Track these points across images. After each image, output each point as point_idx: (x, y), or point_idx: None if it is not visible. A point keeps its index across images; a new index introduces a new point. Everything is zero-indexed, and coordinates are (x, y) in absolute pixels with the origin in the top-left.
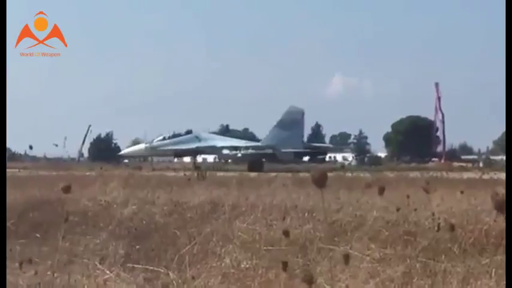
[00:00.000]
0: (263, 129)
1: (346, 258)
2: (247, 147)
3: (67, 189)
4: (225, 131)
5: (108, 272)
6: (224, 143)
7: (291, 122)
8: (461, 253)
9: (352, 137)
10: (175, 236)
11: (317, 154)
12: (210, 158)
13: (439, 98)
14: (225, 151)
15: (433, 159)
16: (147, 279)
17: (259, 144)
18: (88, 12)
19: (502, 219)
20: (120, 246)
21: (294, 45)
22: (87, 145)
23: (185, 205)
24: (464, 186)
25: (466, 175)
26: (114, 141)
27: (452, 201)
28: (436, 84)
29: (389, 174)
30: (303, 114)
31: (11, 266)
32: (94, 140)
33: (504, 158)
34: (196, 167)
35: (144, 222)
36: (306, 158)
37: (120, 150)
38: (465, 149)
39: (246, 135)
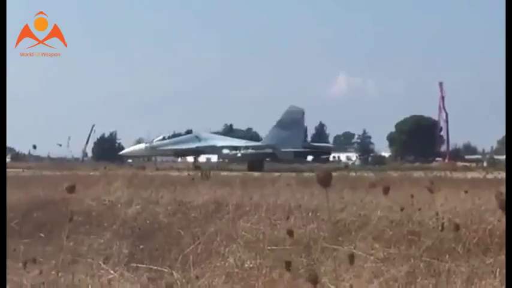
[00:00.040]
0: (267, 128)
1: (351, 258)
2: (247, 147)
3: (71, 189)
4: (229, 131)
5: (112, 271)
6: (224, 142)
7: (291, 121)
8: (465, 253)
9: (356, 136)
10: (179, 236)
11: (316, 154)
12: (214, 158)
13: (442, 98)
14: (225, 151)
15: (437, 158)
16: (151, 279)
17: (259, 143)
18: (89, 12)
19: None
20: (124, 245)
21: (298, 45)
22: (90, 145)
23: (189, 205)
24: (468, 186)
25: (470, 175)
26: (117, 141)
27: (456, 201)
28: (440, 84)
29: (393, 174)
30: (303, 113)
31: (15, 266)
32: (98, 139)
33: None
34: (196, 166)
35: (148, 221)
36: (309, 158)
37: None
38: (469, 149)
39: (249, 134)
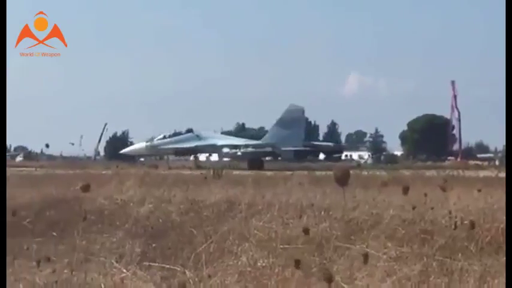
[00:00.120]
0: None
1: (364, 256)
2: (246, 146)
3: (86, 188)
4: (241, 130)
5: (124, 270)
6: (224, 141)
7: (291, 120)
8: (478, 251)
9: (368, 135)
10: (191, 235)
11: (316, 152)
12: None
13: (455, 96)
14: (225, 150)
15: (449, 157)
16: (164, 278)
17: (259, 142)
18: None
19: None
20: (137, 244)
21: (310, 45)
22: (103, 144)
23: (201, 203)
24: (481, 185)
25: (482, 173)
26: (130, 140)
27: (468, 200)
28: (452, 82)
29: (406, 173)
30: (303, 112)
31: (28, 265)
32: (110, 138)
33: None
34: (198, 166)
35: (160, 220)
36: (321, 156)
37: None
38: (481, 148)
39: (261, 133)
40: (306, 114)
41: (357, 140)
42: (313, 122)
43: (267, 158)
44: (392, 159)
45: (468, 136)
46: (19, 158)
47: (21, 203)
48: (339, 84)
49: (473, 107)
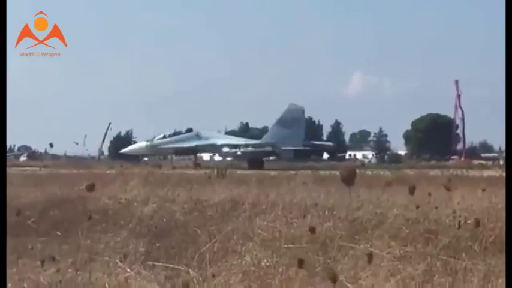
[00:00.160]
0: None
1: (368, 256)
2: (246, 145)
3: (91, 188)
4: (245, 129)
5: (128, 269)
6: (224, 141)
7: (291, 119)
8: (482, 251)
9: (372, 135)
10: (195, 234)
11: (316, 152)
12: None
13: (459, 96)
14: (225, 149)
15: (453, 157)
16: (168, 277)
17: (258, 142)
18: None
19: None
20: (141, 244)
21: (314, 45)
22: (107, 143)
23: (205, 203)
24: (485, 184)
25: (486, 173)
26: (133, 139)
27: (472, 199)
28: (456, 82)
29: (409, 172)
30: (303, 112)
31: (33, 264)
32: (114, 138)
33: None
34: (197, 164)
35: (164, 220)
36: (325, 156)
37: None
38: (485, 147)
39: (265, 133)
40: (310, 114)
41: (360, 139)
42: (317, 122)
43: (271, 158)
44: (396, 158)
45: (472, 135)
46: (23, 158)
47: (25, 203)
48: (343, 83)
49: (477, 106)
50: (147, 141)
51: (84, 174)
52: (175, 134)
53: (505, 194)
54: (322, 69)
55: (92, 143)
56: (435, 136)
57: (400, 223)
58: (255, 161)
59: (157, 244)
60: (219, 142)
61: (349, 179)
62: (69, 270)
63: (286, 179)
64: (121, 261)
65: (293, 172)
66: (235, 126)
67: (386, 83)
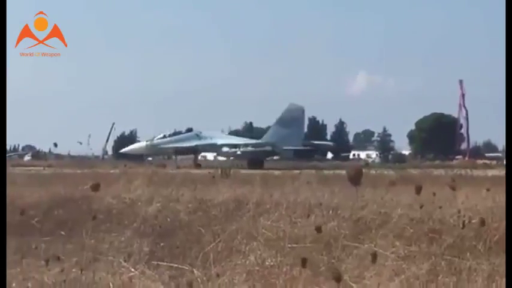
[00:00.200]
0: None
1: (373, 256)
2: (246, 145)
3: (96, 187)
4: (249, 129)
5: (133, 269)
6: (224, 140)
7: (291, 119)
8: (486, 251)
9: (376, 134)
10: (199, 234)
11: (316, 152)
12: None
13: (463, 95)
14: (225, 149)
15: (457, 156)
16: (172, 277)
17: (258, 141)
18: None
19: None
20: (145, 243)
21: (318, 44)
22: (111, 143)
23: (209, 203)
24: (489, 184)
25: (490, 172)
26: (137, 139)
27: (477, 199)
28: (460, 82)
29: (413, 172)
30: (303, 111)
31: (37, 264)
32: (118, 137)
33: None
34: (197, 164)
35: (168, 219)
36: (329, 156)
37: None
38: (489, 147)
39: None
40: (314, 114)
41: (364, 139)
42: (321, 121)
43: (275, 158)
44: (400, 158)
45: (476, 135)
46: (27, 157)
47: (29, 202)
48: (347, 83)
49: (482, 106)
50: (147, 140)
51: (88, 173)
52: (175, 133)
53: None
54: (326, 69)
55: (96, 143)
56: (439, 136)
57: (405, 223)
58: (255, 160)
59: (162, 244)
60: (219, 142)
61: (356, 178)
62: (74, 270)
63: (290, 179)
64: (125, 261)
65: (297, 172)
66: (239, 125)
67: (391, 82)
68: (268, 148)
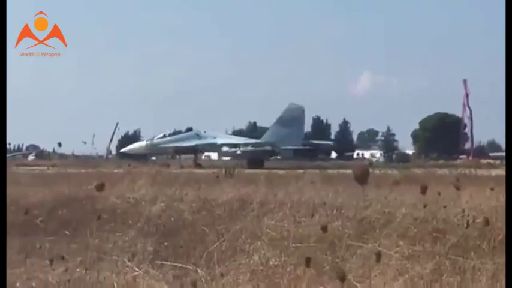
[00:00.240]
0: None
1: (377, 255)
2: (246, 144)
3: (100, 187)
4: (253, 128)
5: (137, 269)
6: (224, 140)
7: (291, 119)
8: (490, 250)
9: (380, 134)
10: (203, 233)
11: (316, 151)
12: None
13: (467, 95)
14: (225, 148)
15: (461, 156)
16: (176, 276)
17: (258, 141)
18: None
19: None
20: (149, 243)
21: (321, 44)
22: (115, 142)
23: (213, 202)
24: (493, 183)
25: (494, 172)
26: (141, 139)
27: (481, 198)
28: (464, 81)
29: (417, 171)
30: (303, 111)
31: (41, 263)
32: (122, 137)
33: None
34: (197, 164)
35: (172, 219)
36: (333, 155)
37: None
38: (493, 146)
39: None
40: (318, 113)
41: (368, 138)
42: (325, 121)
43: (278, 157)
44: (404, 157)
45: (480, 135)
46: (31, 157)
47: (33, 202)
48: (351, 83)
49: (486, 105)
50: (147, 140)
51: (92, 173)
52: (175, 133)
53: None
54: (330, 69)
55: (100, 142)
56: (443, 135)
57: (409, 222)
58: (254, 160)
59: (166, 243)
60: (219, 141)
61: (362, 178)
62: (78, 270)
63: (294, 178)
64: (129, 261)
65: (300, 171)
66: (243, 125)
67: (394, 82)
68: (268, 148)
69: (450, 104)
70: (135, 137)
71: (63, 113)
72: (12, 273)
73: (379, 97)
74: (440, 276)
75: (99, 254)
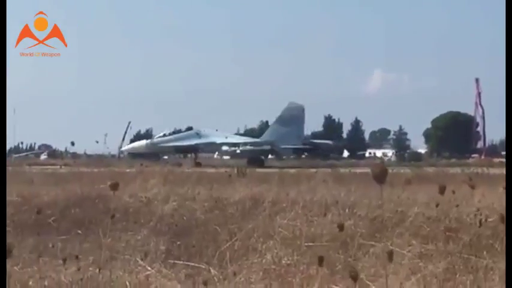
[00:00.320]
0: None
1: (389, 254)
2: (245, 144)
3: (114, 187)
4: (265, 127)
5: (149, 268)
6: (223, 139)
7: (291, 118)
8: (503, 249)
9: (392, 133)
10: (216, 232)
11: (315, 150)
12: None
13: (479, 94)
14: (225, 147)
15: (473, 155)
16: (189, 275)
17: (257, 140)
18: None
19: None
20: (161, 242)
21: (333, 43)
22: (127, 142)
23: (226, 201)
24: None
25: None
26: None
27: (493, 197)
28: (477, 80)
29: (429, 170)
30: (303, 110)
31: (53, 262)
32: (134, 136)
33: None
34: (197, 163)
35: (184, 218)
36: (345, 154)
37: None
38: None
39: None
40: (330, 112)
41: (380, 137)
42: (337, 120)
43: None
44: (416, 156)
45: (492, 134)
46: (43, 156)
47: (46, 201)
48: (363, 81)
49: (498, 104)
50: (147, 139)
51: (105, 172)
52: (175, 132)
53: None
54: (341, 68)
55: (113, 142)
56: (455, 134)
57: (421, 221)
58: (254, 159)
59: (178, 242)
60: (219, 141)
61: (381, 176)
62: (90, 269)
63: (306, 178)
64: (142, 260)
65: (313, 170)
66: (255, 124)
67: (406, 81)
68: (268, 147)
69: (462, 102)
70: (147, 136)
71: (74, 112)
72: (25, 272)
73: (391, 96)
74: (453, 275)
75: (111, 253)
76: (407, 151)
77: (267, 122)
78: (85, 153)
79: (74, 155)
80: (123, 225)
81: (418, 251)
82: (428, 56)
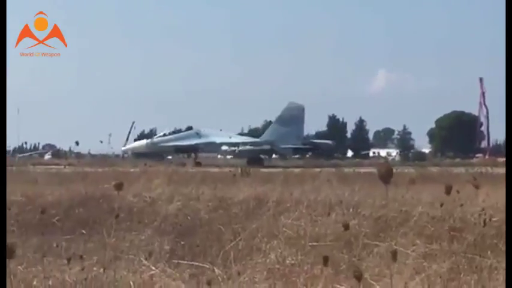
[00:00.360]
0: (311, 125)
1: (393, 254)
2: (245, 143)
3: (119, 186)
4: (269, 127)
5: (153, 267)
6: (223, 139)
7: (290, 118)
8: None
9: (396, 132)
10: (220, 232)
11: (315, 150)
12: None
13: (483, 93)
14: (224, 147)
15: (478, 154)
16: (193, 275)
17: (257, 140)
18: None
19: None
20: (166, 242)
21: (337, 43)
22: (131, 142)
23: (230, 201)
24: None
25: None
26: None
27: (497, 197)
28: (481, 79)
29: (433, 170)
30: (303, 110)
31: (58, 262)
32: (138, 136)
33: None
34: (197, 162)
35: (189, 218)
36: (349, 154)
37: None
38: None
39: None
40: (334, 112)
41: (384, 137)
42: (341, 120)
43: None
44: (420, 156)
45: (497, 133)
46: (48, 156)
47: (50, 201)
48: (367, 81)
49: (502, 104)
50: (147, 139)
51: (109, 172)
52: (175, 132)
53: None
54: (346, 67)
55: (117, 142)
56: (459, 134)
57: (425, 221)
58: (254, 159)
59: (182, 242)
60: (218, 140)
61: (387, 176)
62: (95, 268)
63: (310, 177)
64: (146, 259)
65: (318, 169)
66: (259, 124)
67: (410, 81)
68: (267, 147)
69: (467, 102)
70: (150, 135)
71: (78, 113)
72: (29, 272)
73: (395, 96)
74: (458, 274)
75: (116, 253)
76: (412, 151)
77: (270, 121)
78: (89, 153)
79: (78, 155)
80: (127, 225)
81: (422, 250)
82: (432, 56)
